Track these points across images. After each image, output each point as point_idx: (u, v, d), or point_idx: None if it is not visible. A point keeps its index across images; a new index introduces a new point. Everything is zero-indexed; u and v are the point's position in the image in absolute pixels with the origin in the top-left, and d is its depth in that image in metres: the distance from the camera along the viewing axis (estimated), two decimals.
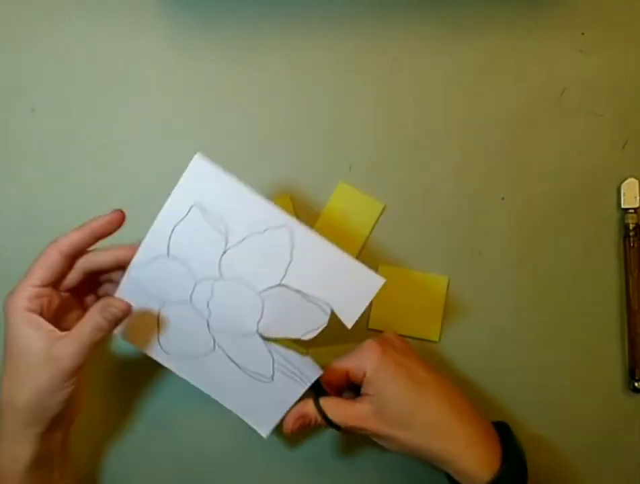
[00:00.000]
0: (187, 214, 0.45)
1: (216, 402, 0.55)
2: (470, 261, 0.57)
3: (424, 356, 0.56)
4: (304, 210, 0.57)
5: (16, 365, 0.44)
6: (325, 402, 0.47)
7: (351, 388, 0.49)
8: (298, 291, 0.46)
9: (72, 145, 0.57)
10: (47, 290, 0.46)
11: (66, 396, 0.44)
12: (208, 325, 0.48)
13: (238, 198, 0.45)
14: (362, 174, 0.57)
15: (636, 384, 0.56)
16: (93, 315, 0.44)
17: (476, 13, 0.58)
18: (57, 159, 0.57)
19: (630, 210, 0.57)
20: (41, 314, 0.45)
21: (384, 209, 0.57)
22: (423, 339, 0.56)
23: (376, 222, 0.57)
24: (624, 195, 0.57)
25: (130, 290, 0.47)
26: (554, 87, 0.58)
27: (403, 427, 0.45)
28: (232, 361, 0.48)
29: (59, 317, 0.47)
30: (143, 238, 0.47)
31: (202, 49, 0.58)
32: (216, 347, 0.48)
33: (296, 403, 0.48)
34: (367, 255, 0.57)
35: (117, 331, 0.47)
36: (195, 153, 0.45)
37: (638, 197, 0.57)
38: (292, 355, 0.48)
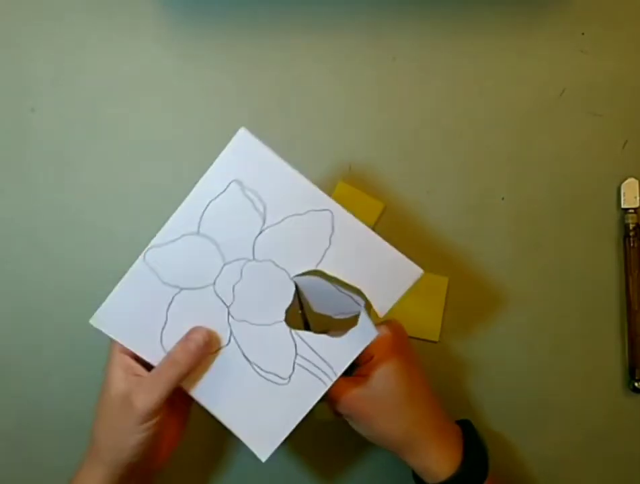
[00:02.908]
0: (225, 189, 0.42)
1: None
2: (470, 261, 0.57)
3: (424, 356, 0.57)
4: None
5: (102, 403, 0.44)
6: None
7: None
8: (333, 279, 0.44)
9: (72, 145, 0.57)
10: None
11: (141, 440, 0.43)
12: (228, 313, 0.45)
13: (281, 177, 0.43)
14: (362, 174, 0.57)
15: (636, 384, 0.56)
16: (172, 350, 0.44)
17: (477, 13, 0.58)
18: (57, 159, 0.57)
19: (630, 210, 0.57)
20: (136, 360, 0.45)
21: (384, 209, 0.57)
22: (423, 339, 0.56)
23: (376, 222, 0.57)
24: (624, 195, 0.57)
25: (138, 278, 0.44)
26: (554, 87, 0.58)
27: (388, 418, 0.46)
28: (246, 358, 0.45)
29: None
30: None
31: (202, 49, 0.58)
32: (231, 340, 0.45)
33: (306, 416, 0.45)
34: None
35: (93, 321, 0.45)
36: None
37: (638, 197, 0.57)
38: (325, 340, 0.44)
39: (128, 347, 0.45)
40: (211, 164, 0.43)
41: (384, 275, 0.44)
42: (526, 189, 0.58)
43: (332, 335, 0.45)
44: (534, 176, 0.58)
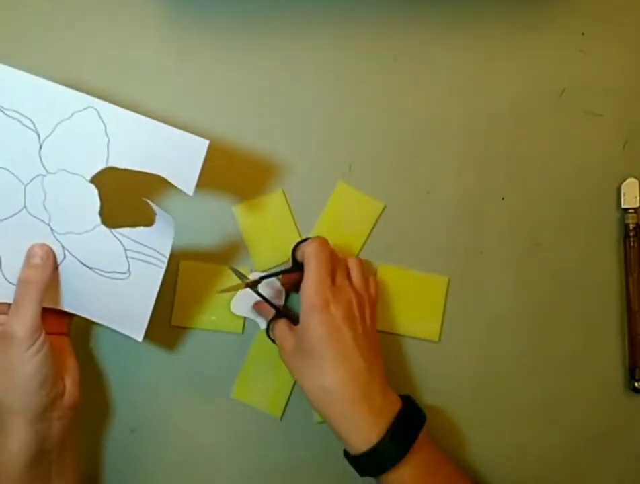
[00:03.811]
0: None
1: (215, 401, 0.55)
2: (470, 261, 0.57)
3: (424, 356, 0.57)
4: (304, 210, 0.57)
5: None
6: (276, 324, 0.50)
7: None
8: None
9: None
10: None
11: (33, 369, 0.44)
12: (51, 230, 0.46)
13: (35, 90, 0.43)
14: (362, 174, 0.57)
15: (636, 384, 0.56)
16: (21, 273, 0.45)
17: (477, 13, 0.58)
18: None
19: (630, 210, 0.57)
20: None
21: (384, 209, 0.57)
22: (423, 339, 0.56)
23: (376, 222, 0.57)
24: (624, 195, 0.57)
25: None
26: (554, 87, 0.58)
27: (312, 373, 0.47)
28: (85, 265, 0.47)
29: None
30: None
31: (202, 49, 0.57)
32: (66, 253, 0.47)
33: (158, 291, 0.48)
34: (367, 255, 0.57)
35: None
36: None
37: (638, 197, 0.57)
38: (142, 231, 0.47)
39: None
40: None
41: (175, 156, 0.45)
42: (526, 189, 0.58)
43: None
44: (534, 176, 0.58)
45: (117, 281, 0.48)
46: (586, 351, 0.57)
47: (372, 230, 0.57)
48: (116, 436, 0.55)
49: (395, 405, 0.47)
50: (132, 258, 0.47)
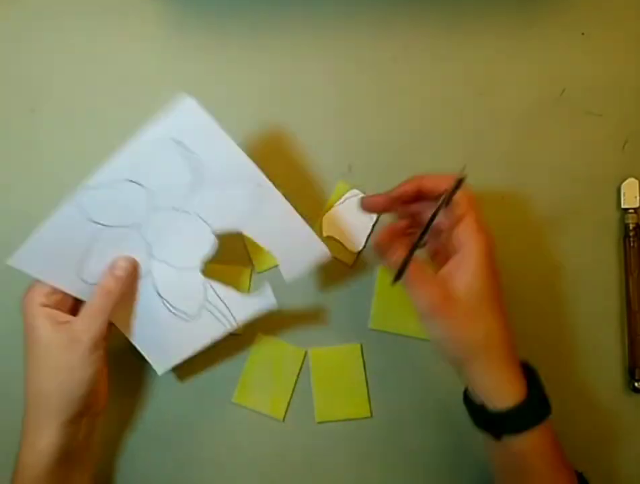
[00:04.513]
0: (163, 144, 0.44)
1: (215, 402, 0.55)
2: None
3: (424, 356, 0.57)
4: (304, 210, 0.57)
5: (36, 355, 0.46)
6: (413, 270, 0.44)
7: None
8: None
9: (72, 145, 0.57)
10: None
11: (88, 376, 0.45)
12: (149, 252, 0.48)
13: (218, 143, 0.45)
14: (362, 174, 0.57)
15: (636, 384, 0.56)
16: (102, 281, 0.46)
17: (476, 13, 0.58)
18: (57, 159, 0.57)
19: (630, 210, 0.57)
20: (57, 309, 0.47)
21: None
22: (423, 339, 0.56)
23: (376, 222, 0.57)
24: (624, 195, 0.57)
25: (64, 218, 0.46)
26: (554, 87, 0.58)
27: (469, 318, 0.44)
28: (159, 294, 0.49)
29: (76, 311, 0.48)
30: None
31: (202, 49, 0.58)
32: (147, 275, 0.48)
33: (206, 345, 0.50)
34: (367, 255, 0.57)
35: (12, 261, 0.46)
36: None
37: (638, 197, 0.57)
38: (232, 294, 0.49)
39: (49, 283, 0.47)
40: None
41: (297, 248, 0.48)
42: (526, 189, 0.58)
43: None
44: (534, 176, 0.58)
45: (178, 319, 0.49)
46: (586, 351, 0.57)
47: (372, 230, 0.57)
48: (118, 437, 0.55)
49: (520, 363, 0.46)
50: (206, 309, 0.49)
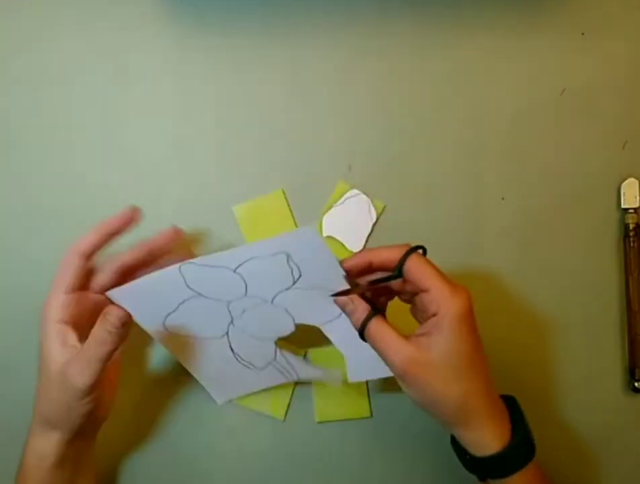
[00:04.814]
0: (273, 254, 0.45)
1: (216, 403, 0.55)
2: (470, 261, 0.57)
3: None
4: (304, 210, 0.57)
5: (43, 376, 0.46)
6: (378, 325, 0.45)
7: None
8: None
9: (72, 145, 0.57)
10: (75, 296, 0.47)
11: (85, 411, 0.45)
12: (230, 322, 0.49)
13: (326, 264, 0.45)
14: (362, 174, 0.57)
15: (636, 384, 0.56)
16: (96, 329, 0.44)
17: (476, 13, 0.58)
18: (57, 159, 0.57)
19: (630, 210, 0.57)
20: (73, 322, 0.46)
21: (384, 209, 0.57)
22: None
23: (376, 222, 0.57)
24: (624, 195, 0.57)
25: (167, 277, 0.46)
26: (554, 87, 0.58)
27: (446, 383, 0.43)
28: (232, 350, 0.51)
29: (95, 320, 0.46)
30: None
31: (202, 49, 0.57)
32: (225, 336, 0.50)
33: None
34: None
35: (111, 293, 0.46)
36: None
37: (638, 197, 0.57)
38: (301, 362, 0.53)
39: (134, 317, 0.47)
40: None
41: (367, 359, 0.47)
42: (526, 189, 0.58)
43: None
44: (534, 176, 0.58)
45: (243, 366, 0.52)
46: (586, 351, 0.57)
47: (372, 230, 0.57)
48: (118, 438, 0.55)
49: (501, 399, 0.47)
50: (273, 366, 0.52)
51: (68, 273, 0.47)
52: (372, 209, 0.57)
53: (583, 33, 0.59)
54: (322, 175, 0.57)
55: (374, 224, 0.57)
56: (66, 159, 0.57)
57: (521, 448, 0.45)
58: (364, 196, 0.57)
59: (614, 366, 0.57)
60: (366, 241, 0.57)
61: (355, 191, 0.57)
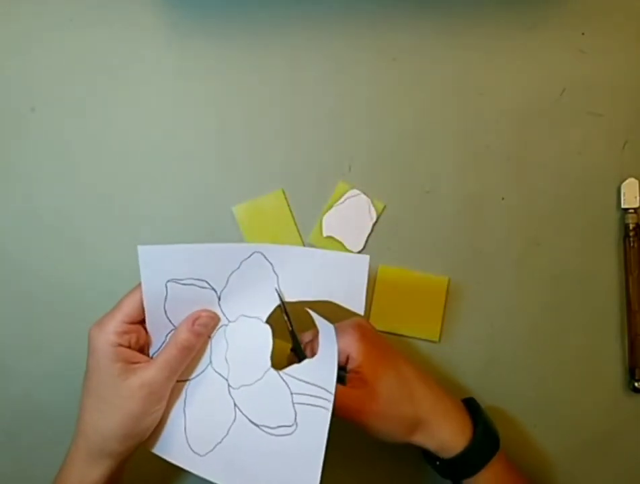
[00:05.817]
0: (167, 291, 0.45)
1: None
2: (470, 261, 0.57)
3: (424, 356, 0.57)
4: (304, 210, 0.57)
5: (101, 396, 0.44)
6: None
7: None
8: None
9: (72, 145, 0.57)
10: (135, 327, 0.46)
11: (155, 420, 0.45)
12: (228, 386, 0.47)
13: (196, 257, 0.45)
14: (362, 174, 0.57)
15: (636, 384, 0.56)
16: (178, 334, 0.45)
17: (476, 13, 0.58)
18: (57, 159, 0.57)
19: (630, 210, 0.57)
20: (129, 348, 0.45)
21: (384, 209, 0.57)
22: (423, 339, 0.56)
23: (376, 222, 0.57)
24: (624, 195, 0.57)
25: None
26: (554, 87, 0.58)
27: (390, 420, 0.47)
28: (253, 423, 0.46)
29: (146, 353, 0.47)
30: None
31: (202, 49, 0.58)
32: (236, 412, 0.47)
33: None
34: (367, 254, 0.57)
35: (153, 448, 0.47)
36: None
37: (638, 197, 0.57)
38: (307, 366, 0.46)
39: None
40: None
41: (340, 277, 0.46)
42: (526, 189, 0.58)
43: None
44: (534, 176, 0.58)
45: (284, 438, 0.46)
46: (586, 351, 0.57)
47: (372, 230, 0.57)
48: None
49: (458, 401, 0.50)
50: (298, 403, 0.46)
51: (132, 304, 0.45)
52: (372, 209, 0.57)
53: (583, 33, 0.59)
54: (322, 175, 0.57)
55: (374, 224, 0.57)
56: (64, 160, 0.57)
57: (484, 442, 0.48)
58: (364, 196, 0.57)
59: (614, 366, 0.57)
60: (366, 241, 0.57)
61: (355, 191, 0.57)
